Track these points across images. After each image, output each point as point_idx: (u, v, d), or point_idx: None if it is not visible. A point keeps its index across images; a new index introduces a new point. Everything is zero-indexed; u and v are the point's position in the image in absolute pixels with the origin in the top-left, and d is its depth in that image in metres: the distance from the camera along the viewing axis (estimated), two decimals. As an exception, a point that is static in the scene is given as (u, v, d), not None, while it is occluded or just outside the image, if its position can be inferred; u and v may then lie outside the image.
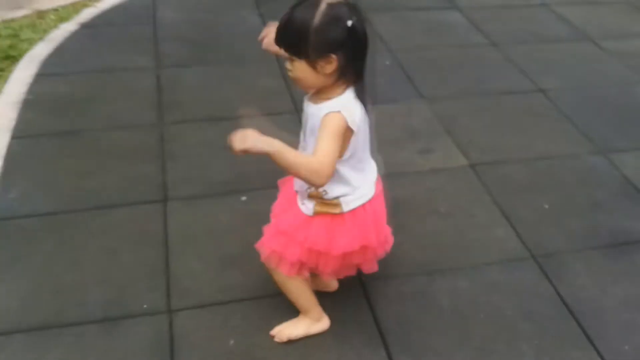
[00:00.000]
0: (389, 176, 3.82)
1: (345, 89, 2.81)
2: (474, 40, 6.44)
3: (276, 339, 3.17)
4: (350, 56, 2.71)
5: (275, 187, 3.53)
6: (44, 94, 5.19)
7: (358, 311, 3.44)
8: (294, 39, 2.69)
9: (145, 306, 3.41)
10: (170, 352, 3.18)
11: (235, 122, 3.64)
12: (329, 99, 2.79)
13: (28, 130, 4.74)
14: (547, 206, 4.24)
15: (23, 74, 5.42)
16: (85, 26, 6.24)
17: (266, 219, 3.46)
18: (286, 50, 2.74)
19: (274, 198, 3.54)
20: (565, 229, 4.05)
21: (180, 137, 4.72)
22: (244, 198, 4.18)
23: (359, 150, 2.90)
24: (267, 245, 3.10)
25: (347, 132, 2.77)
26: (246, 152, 2.57)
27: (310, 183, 2.78)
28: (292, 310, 3.30)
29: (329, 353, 3.20)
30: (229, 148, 2.55)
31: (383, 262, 3.40)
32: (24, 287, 3.48)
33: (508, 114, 5.24)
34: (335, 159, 2.74)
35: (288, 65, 2.76)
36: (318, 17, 2.61)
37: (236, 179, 4.32)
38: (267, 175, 3.83)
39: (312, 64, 2.70)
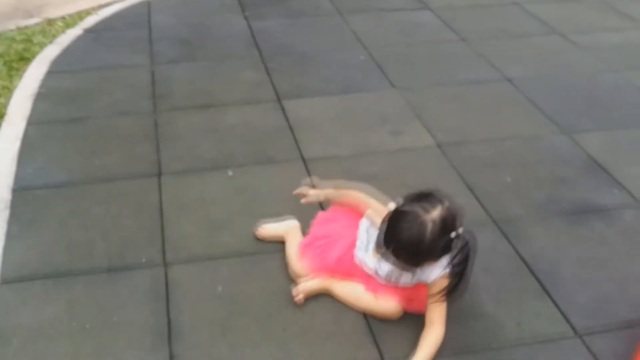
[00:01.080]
0: (362, 155, 4.20)
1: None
2: (444, 36, 6.74)
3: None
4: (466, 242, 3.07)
5: (258, 164, 4.04)
6: (55, 88, 5.61)
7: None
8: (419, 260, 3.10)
9: (143, 260, 3.79)
10: (166, 296, 3.54)
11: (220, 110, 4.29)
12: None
13: (41, 118, 5.16)
14: (510, 180, 4.53)
15: (36, 71, 5.87)
16: (89, 31, 6.69)
17: (249, 192, 4.09)
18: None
19: (256, 174, 4.09)
20: (527, 199, 4.31)
21: (172, 123, 5.11)
22: (230, 173, 4.54)
23: None
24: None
25: None
26: None
27: None
28: (268, 267, 3.76)
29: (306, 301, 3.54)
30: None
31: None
32: (41, 243, 3.87)
33: (475, 100, 5.55)
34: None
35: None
36: (429, 236, 2.96)
37: (222, 157, 4.70)
38: (251, 153, 4.43)
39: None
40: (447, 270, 3.09)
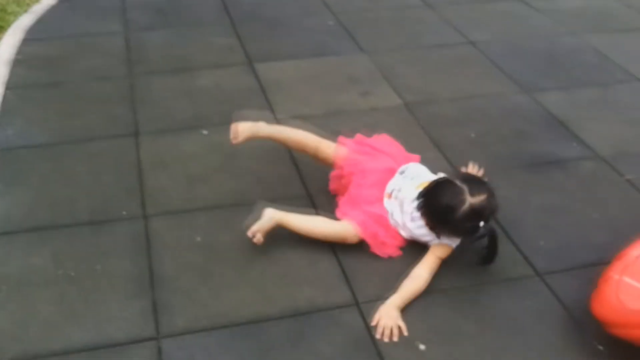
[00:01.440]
0: (333, 114, 4.36)
1: None
2: (410, 2, 6.90)
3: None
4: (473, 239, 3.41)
5: (231, 123, 4.13)
6: (31, 54, 5.71)
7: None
8: (435, 220, 3.42)
9: (124, 213, 3.93)
10: (147, 246, 3.69)
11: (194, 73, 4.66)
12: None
13: (19, 82, 5.26)
14: (473, 135, 4.72)
15: (11, 39, 5.94)
16: (63, 1, 6.78)
17: (224, 149, 4.25)
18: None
19: (230, 132, 4.10)
20: (491, 153, 4.49)
21: (148, 86, 5.24)
22: (204, 132, 4.69)
23: None
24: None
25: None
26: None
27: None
28: (244, 217, 3.82)
29: (282, 245, 3.74)
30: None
31: (323, 175, 4.05)
32: (24, 199, 3.98)
33: (440, 62, 5.73)
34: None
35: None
36: (458, 214, 3.27)
37: (197, 117, 4.85)
38: (225, 113, 4.52)
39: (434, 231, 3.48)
40: (455, 244, 3.43)
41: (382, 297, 3.36)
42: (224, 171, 4.25)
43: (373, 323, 3.22)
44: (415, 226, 3.54)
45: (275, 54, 5.77)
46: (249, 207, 3.86)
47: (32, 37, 5.92)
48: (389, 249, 3.65)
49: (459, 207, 3.22)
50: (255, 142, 4.17)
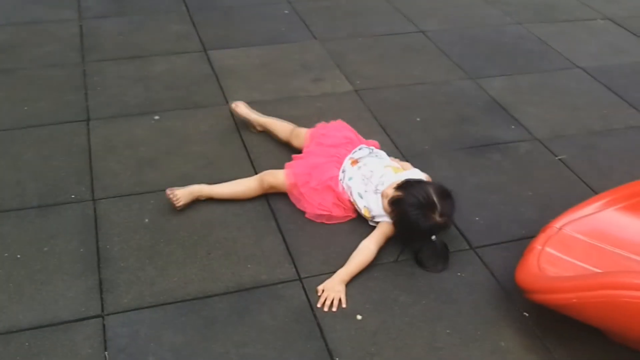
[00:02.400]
0: (285, 100, 4.46)
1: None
2: (364, -8, 6.91)
3: None
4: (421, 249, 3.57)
5: (183, 108, 4.54)
6: (-19, 41, 5.64)
7: (255, 198, 4.09)
8: (394, 215, 3.57)
9: (73, 196, 3.99)
10: (95, 228, 3.77)
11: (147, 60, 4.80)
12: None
13: (-31, 69, 5.21)
14: (419, 119, 4.86)
15: (-39, 26, 5.84)
16: (13, -14, 6.69)
17: (175, 134, 4.40)
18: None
19: (182, 118, 4.45)
20: (434, 136, 4.66)
21: (101, 73, 5.30)
22: (156, 117, 4.77)
23: None
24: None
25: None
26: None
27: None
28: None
29: (229, 225, 3.88)
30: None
31: (276, 162, 4.18)
32: (-30, 184, 3.96)
33: (391, 50, 5.88)
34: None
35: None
36: (420, 222, 3.48)
37: (149, 103, 4.92)
38: (177, 99, 4.74)
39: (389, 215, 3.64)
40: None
41: (323, 272, 3.51)
42: (175, 155, 4.31)
43: (318, 294, 3.38)
44: (375, 199, 3.69)
45: (230, 42, 5.87)
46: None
47: (-18, 23, 5.82)
48: (312, 206, 3.86)
49: (425, 223, 3.43)
50: (206, 126, 4.49)
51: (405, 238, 3.53)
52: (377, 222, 3.67)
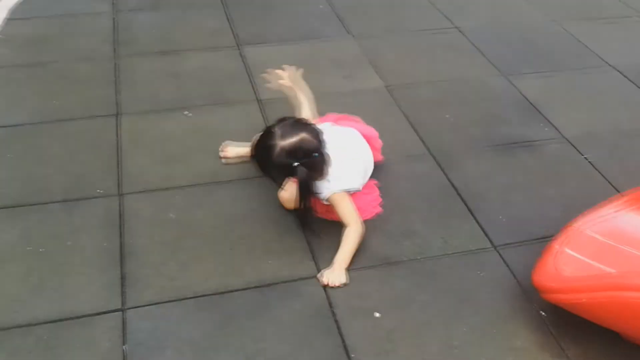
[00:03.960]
0: (316, 96, 4.45)
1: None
2: (401, -13, 6.87)
3: None
4: (304, 179, 3.48)
5: (215, 105, 4.58)
6: (14, 34, 5.76)
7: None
8: (262, 169, 3.59)
9: (99, 191, 4.00)
10: (120, 223, 3.79)
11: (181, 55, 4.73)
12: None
13: (0, 62, 5.33)
14: (449, 117, 4.82)
15: (-5, 19, 5.88)
16: (50, -20, 6.72)
17: (205, 130, 4.38)
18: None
19: (213, 114, 4.46)
20: (463, 134, 4.63)
21: (133, 67, 5.31)
22: (187, 113, 4.77)
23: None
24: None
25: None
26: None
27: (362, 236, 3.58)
28: (219, 195, 4.06)
29: (252, 222, 3.88)
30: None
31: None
32: (-4, 177, 4.00)
33: (425, 47, 5.83)
34: (356, 212, 3.61)
35: None
36: (273, 158, 3.43)
37: (181, 98, 4.92)
38: (209, 95, 4.76)
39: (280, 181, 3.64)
40: (338, 190, 3.59)
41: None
42: (203, 151, 4.30)
43: (322, 284, 3.46)
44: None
45: (264, 38, 5.86)
46: (225, 185, 4.08)
47: (15, 16, 5.93)
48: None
49: (271, 152, 3.41)
50: (237, 123, 4.57)
51: (281, 174, 3.59)
52: (327, 201, 3.65)
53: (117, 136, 4.48)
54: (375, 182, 3.96)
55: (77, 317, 3.24)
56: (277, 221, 3.83)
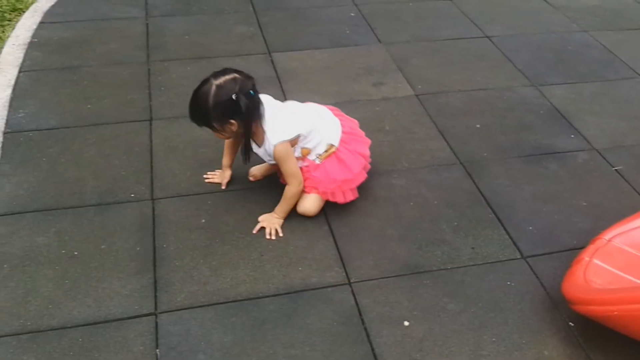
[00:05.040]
0: (345, 103, 4.49)
1: (262, 129, 3.71)
2: (432, -6, 6.89)
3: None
4: (245, 114, 3.56)
5: None
6: (48, 37, 5.80)
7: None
8: (201, 120, 3.63)
9: (132, 195, 4.06)
10: (152, 227, 3.84)
11: (212, 61, 4.71)
12: (263, 141, 3.73)
13: (34, 66, 5.37)
14: (479, 126, 4.85)
15: (28, 22, 6.02)
16: (84, -17, 6.77)
17: None
18: (198, 125, 3.67)
19: None
20: (493, 143, 4.67)
21: (165, 72, 5.36)
22: (218, 118, 4.75)
23: (305, 130, 3.82)
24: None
25: (294, 140, 3.75)
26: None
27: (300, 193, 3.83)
28: (250, 201, 4.09)
29: (282, 228, 3.89)
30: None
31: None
32: (31, 180, 4.09)
33: (455, 55, 5.85)
34: (298, 169, 3.78)
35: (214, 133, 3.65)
36: (211, 99, 3.49)
37: (213, 104, 4.91)
38: None
39: (222, 129, 3.62)
40: (280, 141, 3.69)
41: (373, 278, 3.57)
42: (239, 158, 4.24)
43: (256, 228, 3.82)
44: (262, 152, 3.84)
45: (294, 44, 5.89)
46: (255, 191, 4.11)
47: (49, 20, 6.01)
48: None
49: (209, 92, 3.51)
50: None
51: (226, 115, 3.61)
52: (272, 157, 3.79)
53: (150, 141, 4.52)
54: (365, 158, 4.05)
55: (111, 321, 3.29)
56: (307, 228, 3.86)
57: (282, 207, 3.82)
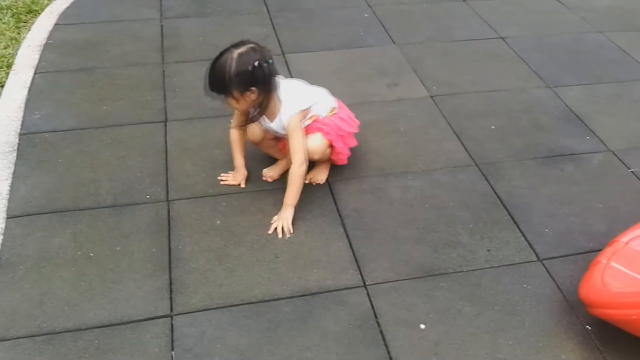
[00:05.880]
0: (359, 104, 4.49)
1: (278, 102, 3.83)
2: (445, -4, 6.88)
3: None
4: (266, 81, 3.66)
5: None
6: (63, 39, 5.83)
7: (324, 203, 4.12)
8: (221, 88, 3.66)
9: (147, 196, 4.07)
10: (168, 228, 3.85)
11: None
12: (275, 113, 3.85)
13: (49, 67, 5.39)
14: (494, 127, 4.85)
15: (44, 24, 6.06)
16: (98, -15, 6.78)
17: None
18: (218, 94, 3.69)
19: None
20: (508, 144, 4.66)
21: (180, 74, 5.37)
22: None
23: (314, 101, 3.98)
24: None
25: (305, 111, 3.87)
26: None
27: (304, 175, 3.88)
28: (264, 202, 4.10)
29: (297, 230, 3.89)
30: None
31: (347, 167, 4.22)
32: (47, 182, 4.13)
33: (469, 56, 5.84)
34: (304, 147, 3.84)
35: (225, 104, 3.73)
36: (233, 66, 3.54)
37: (226, 106, 4.90)
38: None
39: (242, 97, 3.67)
40: (297, 111, 3.83)
41: (389, 280, 3.57)
42: (249, 159, 4.31)
43: (271, 228, 3.86)
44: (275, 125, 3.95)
45: (308, 45, 5.90)
46: (269, 193, 4.12)
47: (65, 21, 6.05)
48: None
49: (231, 60, 3.58)
50: None
51: (251, 82, 3.68)
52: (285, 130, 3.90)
53: (165, 142, 4.53)
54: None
55: (126, 323, 3.30)
56: (322, 230, 3.86)
57: (289, 193, 3.83)
